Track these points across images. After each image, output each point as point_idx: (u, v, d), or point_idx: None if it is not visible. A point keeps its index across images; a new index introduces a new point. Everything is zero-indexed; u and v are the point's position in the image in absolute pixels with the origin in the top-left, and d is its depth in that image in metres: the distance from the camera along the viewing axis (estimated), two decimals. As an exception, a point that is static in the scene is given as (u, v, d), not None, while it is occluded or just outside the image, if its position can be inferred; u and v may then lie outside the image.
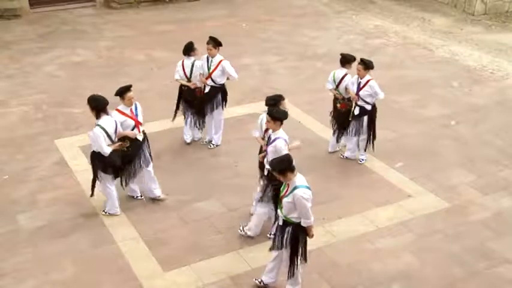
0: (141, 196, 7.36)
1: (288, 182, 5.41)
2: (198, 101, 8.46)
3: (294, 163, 5.38)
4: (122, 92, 6.81)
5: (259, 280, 5.91)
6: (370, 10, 16.00)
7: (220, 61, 8.32)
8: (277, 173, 5.38)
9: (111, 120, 6.65)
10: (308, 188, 5.40)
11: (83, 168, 8.06)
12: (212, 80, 8.36)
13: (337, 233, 6.81)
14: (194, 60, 8.46)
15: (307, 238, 5.59)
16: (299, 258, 5.58)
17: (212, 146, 8.68)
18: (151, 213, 7.15)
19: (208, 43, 8.33)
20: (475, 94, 10.80)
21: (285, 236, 5.50)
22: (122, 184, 7.12)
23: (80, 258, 6.34)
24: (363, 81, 7.93)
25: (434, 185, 7.81)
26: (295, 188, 5.32)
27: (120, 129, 6.78)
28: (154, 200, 7.29)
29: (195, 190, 7.57)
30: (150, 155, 7.16)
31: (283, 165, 5.32)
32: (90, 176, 7.90)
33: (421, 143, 8.96)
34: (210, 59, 8.36)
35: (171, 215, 7.09)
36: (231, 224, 6.88)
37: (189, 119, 8.60)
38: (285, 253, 5.60)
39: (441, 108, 10.19)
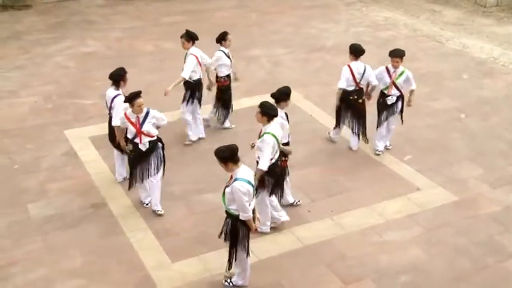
0: (147, 204, 7.06)
1: (231, 174, 5.39)
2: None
3: (237, 155, 5.33)
4: (132, 99, 6.47)
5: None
6: (379, 2, 15.90)
7: (190, 54, 8.12)
8: (219, 161, 5.35)
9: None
10: (249, 182, 5.33)
11: (92, 159, 8.12)
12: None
13: (346, 226, 6.81)
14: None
15: (251, 232, 5.55)
16: (239, 251, 5.56)
17: (189, 142, 8.49)
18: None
19: (182, 36, 8.19)
20: (485, 87, 10.72)
21: (226, 228, 5.55)
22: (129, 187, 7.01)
23: (89, 248, 6.39)
24: (399, 70, 7.97)
25: (443, 178, 7.78)
26: (235, 180, 5.31)
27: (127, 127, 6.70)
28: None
29: (204, 181, 7.59)
30: (158, 166, 6.76)
31: (225, 155, 5.29)
32: (99, 166, 8.00)
33: (430, 136, 8.92)
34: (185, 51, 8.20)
35: (179, 206, 7.12)
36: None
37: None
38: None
39: (451, 101, 10.13)
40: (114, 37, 12.92)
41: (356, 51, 7.96)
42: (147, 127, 6.60)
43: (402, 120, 8.26)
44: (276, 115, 6.14)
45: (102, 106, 9.73)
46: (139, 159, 6.72)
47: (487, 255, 6.39)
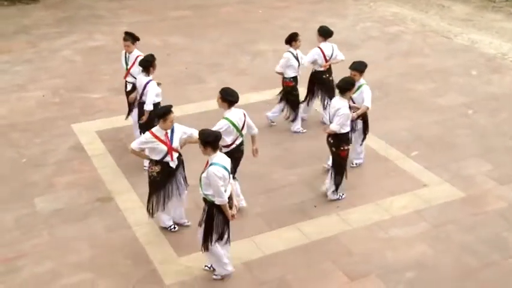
0: (175, 227, 6.56)
1: (207, 158, 5.45)
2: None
3: (219, 143, 5.52)
4: (165, 114, 5.96)
5: (209, 265, 5.94)
6: (388, -3, 15.82)
7: (138, 56, 7.79)
8: (200, 142, 5.44)
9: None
10: (225, 167, 5.41)
11: (99, 153, 8.15)
12: (132, 76, 7.87)
13: (352, 221, 6.80)
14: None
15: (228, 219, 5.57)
16: (214, 237, 5.57)
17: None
18: (166, 198, 7.20)
19: (126, 39, 7.88)
20: (494, 83, 10.65)
21: (203, 213, 5.59)
22: (148, 213, 6.40)
23: (96, 241, 6.43)
24: (357, 84, 7.19)
25: (450, 174, 7.75)
26: (211, 164, 5.38)
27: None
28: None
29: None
30: (185, 181, 6.42)
31: (208, 139, 5.36)
32: (105, 160, 8.02)
33: (437, 132, 8.88)
34: (127, 55, 7.93)
35: (186, 201, 7.12)
36: (246, 211, 6.90)
37: None
38: (199, 230, 5.65)
39: (459, 97, 10.07)
40: (122, 31, 12.86)
41: (325, 33, 8.45)
42: (176, 142, 6.16)
43: (362, 141, 7.70)
44: (235, 101, 6.39)
45: (109, 100, 9.80)
46: (168, 178, 6.22)
47: (493, 251, 6.36)
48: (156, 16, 14.11)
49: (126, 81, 8.05)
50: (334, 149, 6.95)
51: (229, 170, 5.53)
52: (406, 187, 7.45)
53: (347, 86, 6.78)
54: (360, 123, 7.53)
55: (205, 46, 12.32)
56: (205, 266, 5.99)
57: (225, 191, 5.44)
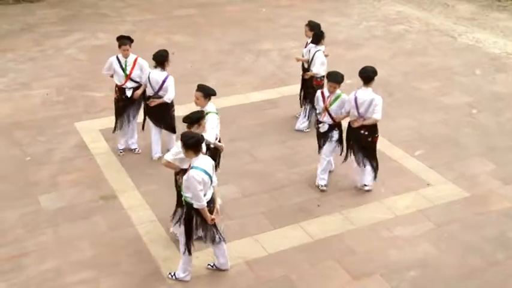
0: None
1: (189, 161, 5.42)
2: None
3: (202, 148, 5.46)
4: (199, 119, 5.91)
5: (212, 264, 5.97)
6: (392, -4, 15.78)
7: (136, 58, 7.78)
8: (181, 144, 5.39)
9: None
10: (205, 172, 5.35)
11: (103, 151, 8.15)
12: (133, 80, 7.79)
13: (355, 220, 6.79)
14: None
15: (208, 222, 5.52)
16: (192, 239, 5.57)
17: (138, 151, 8.11)
18: (169, 196, 7.17)
19: (125, 43, 7.63)
20: (498, 82, 10.62)
21: (182, 215, 5.58)
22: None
23: (99, 239, 6.44)
24: (333, 96, 7.09)
25: (454, 173, 7.73)
26: (191, 168, 5.34)
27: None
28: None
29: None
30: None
31: (189, 142, 5.29)
32: (109, 158, 8.02)
33: (441, 131, 8.86)
34: (122, 60, 7.73)
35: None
36: (248, 210, 6.90)
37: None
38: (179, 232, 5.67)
39: (463, 96, 10.04)
40: (125, 30, 12.92)
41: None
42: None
43: (341, 153, 7.38)
44: (214, 94, 6.52)
45: (113, 99, 9.78)
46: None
47: (497, 251, 6.34)
48: (161, 15, 14.11)
49: (124, 88, 7.77)
50: (369, 138, 7.01)
51: (210, 174, 5.45)
52: (410, 186, 7.44)
53: (370, 75, 6.84)
54: (335, 135, 7.18)
55: (210, 45, 12.32)
56: (209, 264, 5.99)
57: (205, 195, 5.40)
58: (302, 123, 8.73)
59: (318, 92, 7.29)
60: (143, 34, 12.59)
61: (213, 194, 5.55)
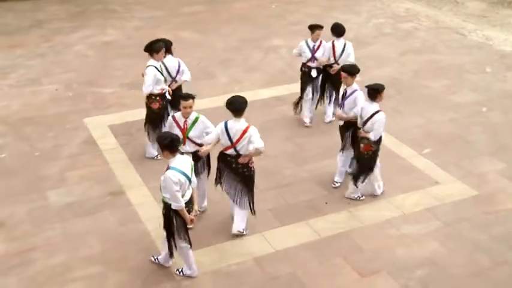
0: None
1: (168, 162, 5.44)
2: None
3: (176, 147, 5.38)
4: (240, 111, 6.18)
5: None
6: (401, -7, 15.70)
7: (178, 61, 7.91)
8: (158, 145, 5.49)
9: None
10: (182, 172, 5.34)
11: (111, 147, 8.18)
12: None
13: (363, 218, 6.78)
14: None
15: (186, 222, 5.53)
16: (177, 240, 5.56)
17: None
18: (177, 193, 7.22)
19: (161, 47, 7.49)
20: (508, 80, 10.54)
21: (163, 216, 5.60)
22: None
23: (107, 235, 6.46)
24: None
25: (462, 172, 7.68)
26: (168, 168, 5.34)
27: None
28: None
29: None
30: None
31: (164, 142, 5.29)
32: (117, 154, 8.05)
33: (450, 129, 8.81)
34: (161, 65, 7.61)
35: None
36: (256, 207, 6.88)
37: None
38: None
39: (473, 94, 9.98)
40: (134, 26, 12.97)
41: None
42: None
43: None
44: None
45: (121, 95, 9.83)
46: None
47: (506, 250, 6.30)
48: (169, 11, 14.13)
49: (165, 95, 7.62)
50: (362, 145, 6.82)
51: (188, 175, 5.44)
52: (418, 184, 7.41)
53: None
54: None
55: (218, 42, 12.32)
56: (177, 270, 5.88)
57: (183, 196, 5.40)
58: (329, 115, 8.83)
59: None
60: (152, 31, 12.59)
61: (191, 195, 5.56)
